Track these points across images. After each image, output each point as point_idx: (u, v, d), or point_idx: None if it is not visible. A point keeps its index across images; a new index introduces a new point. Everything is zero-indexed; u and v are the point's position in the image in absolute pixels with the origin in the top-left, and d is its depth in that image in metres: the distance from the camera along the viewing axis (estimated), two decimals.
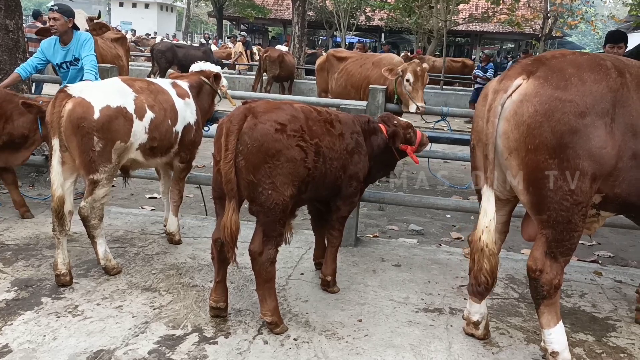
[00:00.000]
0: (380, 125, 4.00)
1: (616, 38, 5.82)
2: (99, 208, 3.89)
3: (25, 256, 4.23)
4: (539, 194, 2.84)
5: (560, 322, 3.07)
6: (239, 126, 3.12)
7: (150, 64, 16.73)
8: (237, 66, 20.49)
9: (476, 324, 3.41)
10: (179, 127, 4.29)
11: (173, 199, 4.68)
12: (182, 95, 4.38)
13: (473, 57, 33.32)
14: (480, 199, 3.25)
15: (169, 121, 4.18)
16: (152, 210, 5.90)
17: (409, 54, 21.37)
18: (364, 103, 4.98)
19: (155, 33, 35.38)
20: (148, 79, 4.41)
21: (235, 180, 3.12)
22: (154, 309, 3.56)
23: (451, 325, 3.59)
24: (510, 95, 2.87)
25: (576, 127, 2.73)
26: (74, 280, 3.84)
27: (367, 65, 8.13)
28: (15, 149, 4.90)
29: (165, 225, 4.76)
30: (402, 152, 4.05)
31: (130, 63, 12.62)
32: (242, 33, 23.43)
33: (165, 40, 24.52)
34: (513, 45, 41.07)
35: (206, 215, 5.70)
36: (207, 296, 3.70)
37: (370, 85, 5.65)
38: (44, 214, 5.10)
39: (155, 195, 6.67)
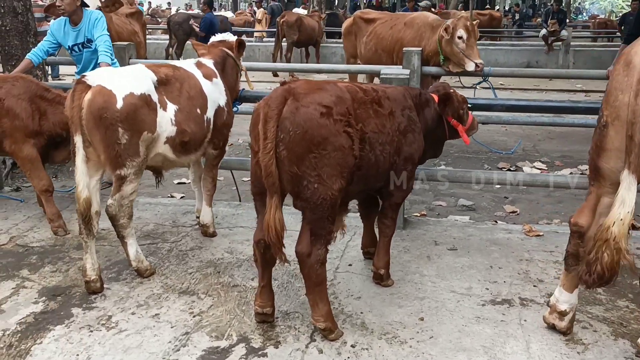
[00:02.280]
0: (432, 95, 3.56)
1: None
2: (127, 206, 3.54)
3: (51, 260, 3.93)
4: None
5: None
6: (278, 111, 2.72)
7: (167, 36, 16.26)
8: (254, 34, 19.86)
9: (562, 314, 2.98)
10: (210, 114, 3.89)
11: (206, 188, 4.31)
12: (208, 75, 3.96)
13: (497, 8, 31.99)
14: (593, 182, 2.78)
15: (198, 110, 3.78)
16: (182, 197, 5.57)
17: (432, 9, 20.48)
18: (407, 71, 4.50)
19: (169, 4, 34.59)
20: (171, 62, 3.97)
21: (277, 173, 2.74)
22: (194, 316, 3.24)
23: (525, 320, 3.20)
24: None
25: None
26: (105, 286, 3.54)
27: (399, 26, 7.54)
28: (56, 146, 4.50)
29: (198, 217, 4.41)
30: (452, 130, 3.61)
31: (147, 37, 12.19)
32: None
33: (181, 11, 23.95)
34: None
35: (240, 201, 5.32)
36: (249, 298, 3.37)
37: (404, 48, 5.15)
38: (69, 209, 4.78)
39: (184, 180, 6.31)
